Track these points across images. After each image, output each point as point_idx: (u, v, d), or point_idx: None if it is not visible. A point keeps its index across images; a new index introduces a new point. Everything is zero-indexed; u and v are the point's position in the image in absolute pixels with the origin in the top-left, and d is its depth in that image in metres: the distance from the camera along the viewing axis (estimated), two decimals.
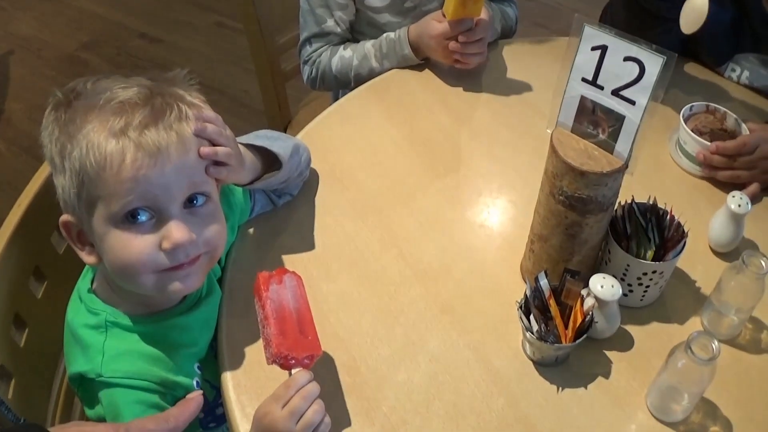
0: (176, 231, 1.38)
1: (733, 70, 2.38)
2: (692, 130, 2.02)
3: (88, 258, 1.45)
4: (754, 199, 1.91)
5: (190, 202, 1.42)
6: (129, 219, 1.36)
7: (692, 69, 2.39)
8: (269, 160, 1.74)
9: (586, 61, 1.44)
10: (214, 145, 1.45)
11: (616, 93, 1.42)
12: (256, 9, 2.64)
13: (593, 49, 1.42)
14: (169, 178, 1.37)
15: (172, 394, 1.51)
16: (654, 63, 1.35)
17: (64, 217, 1.43)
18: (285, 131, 3.00)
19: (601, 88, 1.44)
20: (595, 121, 1.47)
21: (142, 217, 1.36)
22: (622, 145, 1.45)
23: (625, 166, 1.47)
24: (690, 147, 2.03)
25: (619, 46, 1.39)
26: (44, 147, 1.42)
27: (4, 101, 4.74)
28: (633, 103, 1.40)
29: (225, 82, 4.56)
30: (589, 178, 1.45)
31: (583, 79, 1.46)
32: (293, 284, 1.54)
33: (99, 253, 1.42)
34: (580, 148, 1.49)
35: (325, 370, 1.57)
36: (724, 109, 2.10)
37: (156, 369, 1.49)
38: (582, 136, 1.51)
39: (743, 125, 2.05)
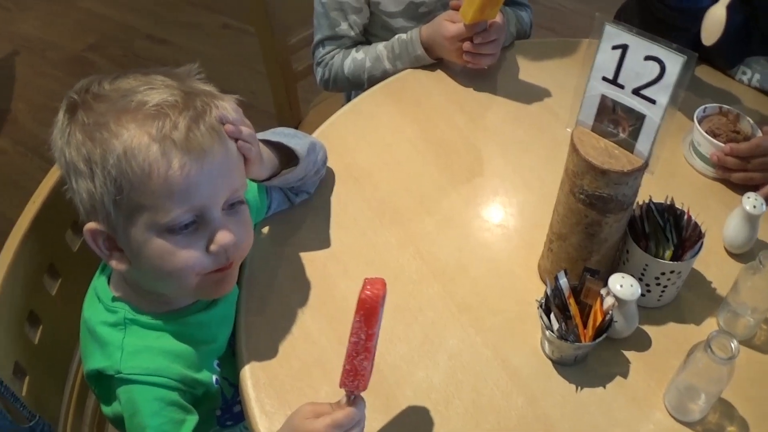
0: (223, 234, 1.39)
1: (744, 73, 2.38)
2: (706, 132, 2.03)
3: (118, 265, 1.42)
4: None
5: (229, 205, 1.43)
6: (175, 227, 1.35)
7: (704, 72, 2.38)
8: (286, 157, 1.74)
9: (607, 60, 1.44)
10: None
11: (636, 92, 1.42)
12: (267, 8, 2.64)
13: (614, 48, 1.42)
14: (215, 182, 1.37)
15: (191, 392, 1.51)
16: (674, 62, 1.35)
17: (90, 225, 1.38)
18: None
19: (622, 87, 1.44)
20: (616, 120, 1.48)
21: (190, 226, 1.37)
22: (642, 144, 1.45)
23: (646, 165, 1.47)
24: (704, 148, 2.03)
25: (640, 45, 1.39)
26: (58, 150, 1.38)
27: (9, 101, 4.75)
28: (653, 102, 1.40)
29: (232, 83, 4.48)
30: (609, 177, 1.45)
31: (604, 78, 1.46)
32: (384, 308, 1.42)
33: (132, 259, 1.41)
34: (601, 147, 1.49)
35: None
36: (738, 111, 2.10)
37: (176, 366, 1.49)
38: (602, 135, 1.51)
39: (756, 127, 2.05)
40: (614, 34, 1.42)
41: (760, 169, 1.98)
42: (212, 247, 1.39)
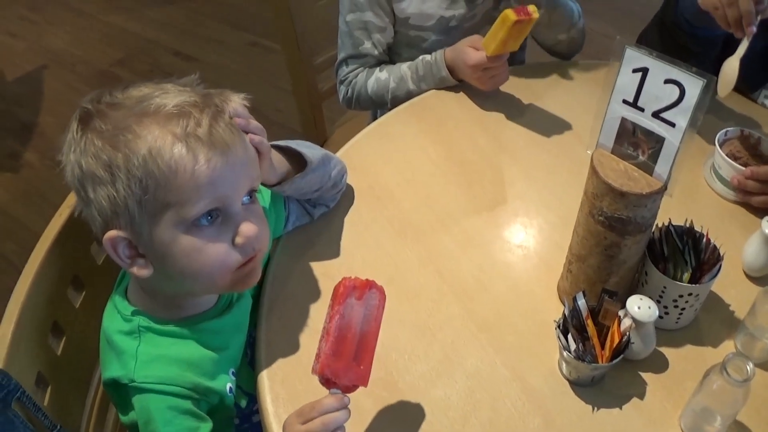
0: (248, 226, 1.43)
1: (766, 97, 2.38)
2: (727, 155, 2.02)
3: (141, 271, 1.43)
4: None
5: (247, 198, 1.46)
6: (200, 222, 1.38)
7: (726, 95, 2.39)
8: (298, 164, 1.76)
9: (627, 83, 1.45)
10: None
11: (656, 115, 1.43)
12: (295, 28, 2.66)
13: (634, 71, 1.43)
14: (238, 175, 1.41)
15: (205, 400, 1.53)
16: (694, 85, 1.36)
17: (111, 233, 1.38)
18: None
19: (642, 109, 1.45)
20: (636, 142, 1.48)
21: (215, 220, 1.40)
22: (661, 167, 1.46)
23: (665, 187, 1.47)
24: (725, 172, 2.04)
25: (660, 69, 1.40)
26: (70, 164, 1.39)
27: (38, 114, 4.79)
28: (673, 125, 1.41)
29: (258, 100, 4.48)
30: (629, 199, 1.46)
31: (624, 101, 1.47)
32: (373, 303, 1.48)
33: (156, 262, 1.42)
34: (620, 169, 1.50)
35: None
36: (759, 134, 2.09)
37: (189, 374, 1.50)
38: (622, 157, 1.52)
39: None
40: (635, 57, 1.42)
41: None
42: (238, 240, 1.43)
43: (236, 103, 1.48)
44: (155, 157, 1.31)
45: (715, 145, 2.06)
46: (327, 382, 1.40)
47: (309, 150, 1.77)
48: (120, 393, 1.50)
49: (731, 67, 1.98)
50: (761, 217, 1.81)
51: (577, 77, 2.53)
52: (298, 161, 1.76)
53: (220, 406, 1.58)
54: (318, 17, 2.76)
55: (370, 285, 1.47)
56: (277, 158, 1.69)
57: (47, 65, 5.25)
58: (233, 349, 1.65)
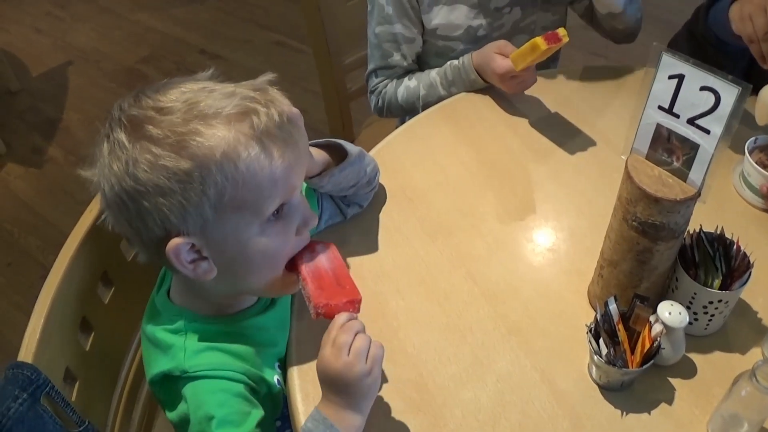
0: (311, 214, 1.50)
1: None
2: (756, 162, 2.02)
3: (207, 274, 1.42)
4: None
5: None
6: (273, 216, 1.40)
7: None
8: (337, 157, 1.78)
9: (663, 89, 1.45)
10: None
11: (691, 122, 1.43)
12: (325, 28, 2.67)
13: (670, 77, 1.43)
14: (303, 164, 1.44)
15: (255, 388, 1.53)
16: (729, 93, 1.35)
17: (176, 241, 1.34)
18: None
19: (677, 116, 1.44)
20: (670, 148, 1.48)
21: (279, 212, 1.42)
22: (695, 174, 1.46)
23: (698, 194, 1.47)
24: (754, 179, 2.03)
25: (696, 76, 1.39)
26: (115, 176, 1.33)
27: (62, 110, 4.81)
28: (708, 132, 1.41)
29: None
30: (663, 205, 1.46)
31: (660, 107, 1.47)
32: (326, 250, 1.56)
33: (225, 263, 1.42)
34: (655, 175, 1.50)
35: (392, 387, 1.60)
36: None
37: (239, 362, 1.52)
38: (656, 163, 1.52)
39: None
40: (671, 63, 1.42)
41: None
42: (303, 229, 1.49)
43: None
44: (233, 160, 1.30)
45: (744, 152, 2.06)
46: (327, 310, 1.46)
47: (346, 144, 1.79)
48: (169, 388, 1.50)
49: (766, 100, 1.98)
50: None
51: (607, 82, 2.53)
52: (335, 154, 1.77)
53: (268, 399, 1.59)
54: (348, 17, 2.76)
55: (315, 243, 1.56)
56: (316, 151, 1.71)
57: (72, 61, 5.28)
58: (281, 345, 1.67)
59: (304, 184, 1.76)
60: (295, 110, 1.44)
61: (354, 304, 1.48)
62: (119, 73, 5.15)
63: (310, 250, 1.54)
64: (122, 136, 1.32)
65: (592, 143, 2.26)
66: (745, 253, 1.65)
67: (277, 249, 1.45)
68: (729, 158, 2.14)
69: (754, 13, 1.91)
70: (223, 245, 1.39)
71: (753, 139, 2.08)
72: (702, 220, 1.68)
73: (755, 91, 2.14)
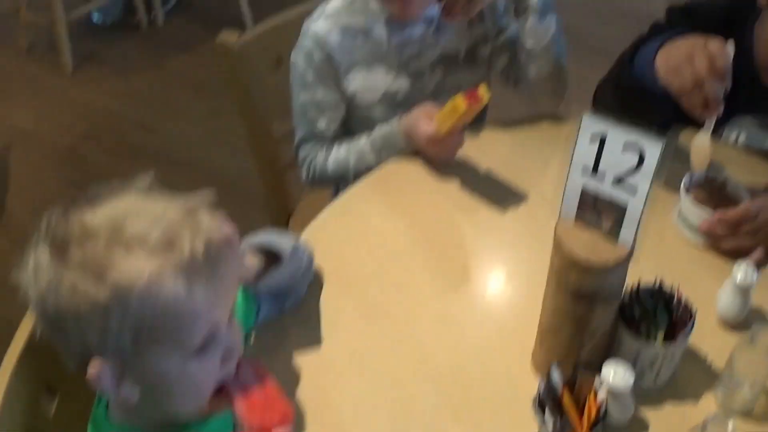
0: (236, 340, 1.45)
1: (731, 132, 2.38)
2: (694, 200, 2.03)
3: (129, 399, 1.37)
4: (760, 265, 1.90)
5: None
6: (198, 347, 1.35)
7: (690, 135, 2.38)
8: (271, 259, 1.75)
9: (586, 151, 1.44)
10: None
11: (617, 182, 1.42)
12: (253, 99, 2.66)
13: (592, 139, 1.43)
14: (230, 289, 1.40)
15: None
16: (654, 148, 1.35)
17: (96, 364, 1.30)
18: (288, 221, 3.02)
19: (602, 177, 1.44)
20: (598, 211, 1.48)
21: (207, 343, 1.36)
22: (626, 234, 1.46)
23: (632, 254, 1.47)
24: (692, 218, 2.04)
25: (618, 134, 1.39)
26: (43, 293, 1.28)
27: (5, 196, 4.75)
28: (635, 190, 1.41)
29: (225, 169, 4.58)
30: (596, 271, 1.46)
31: (584, 170, 1.47)
32: (252, 367, 1.52)
33: (148, 388, 1.37)
34: (585, 240, 1.49)
35: None
36: (725, 175, 2.10)
37: None
38: (586, 227, 1.52)
39: (744, 190, 2.06)
40: (592, 124, 1.42)
41: (750, 234, 1.98)
42: (228, 361, 1.42)
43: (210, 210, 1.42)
44: (154, 293, 1.25)
45: (681, 190, 2.06)
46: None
47: (279, 241, 1.76)
48: None
49: (703, 144, 1.99)
50: (733, 262, 1.80)
51: (539, 136, 2.53)
52: (270, 255, 1.75)
53: None
54: (277, 88, 2.74)
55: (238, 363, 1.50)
56: (249, 256, 1.69)
57: (12, 144, 5.22)
58: None
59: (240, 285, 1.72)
60: (225, 235, 1.39)
61: (286, 420, 1.46)
62: (61, 154, 5.09)
63: (236, 369, 1.51)
64: (46, 257, 1.29)
65: (527, 203, 2.25)
66: (687, 303, 1.65)
67: (201, 380, 1.40)
68: (666, 197, 2.14)
69: (680, 65, 1.90)
70: (144, 374, 1.34)
71: (687, 176, 2.08)
72: (643, 263, 1.66)
73: (693, 124, 2.14)
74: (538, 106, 2.56)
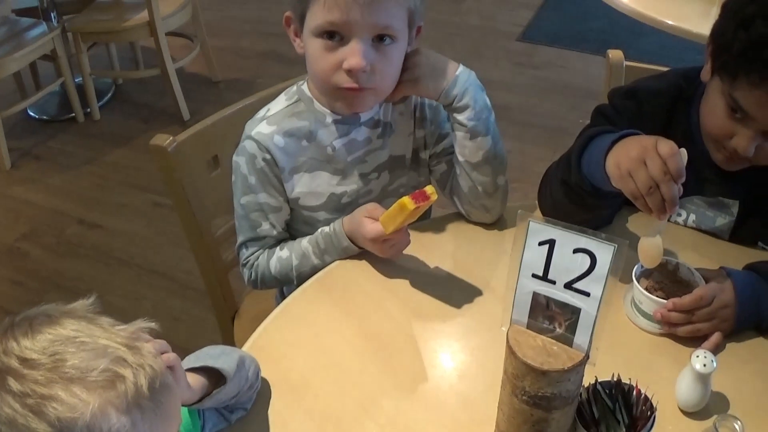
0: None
1: (680, 215, 2.37)
2: (646, 289, 2.01)
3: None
4: (717, 349, 1.90)
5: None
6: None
7: (638, 220, 2.36)
8: (215, 378, 1.70)
9: (535, 256, 1.43)
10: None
11: (569, 286, 1.40)
12: (191, 199, 2.61)
13: (540, 244, 1.41)
14: (175, 419, 1.39)
15: None
16: (605, 252, 1.34)
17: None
18: (233, 321, 2.96)
19: (553, 282, 1.43)
20: (551, 315, 1.46)
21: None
22: (580, 338, 1.44)
23: (587, 358, 1.44)
24: (646, 306, 2.01)
25: (568, 239, 1.38)
26: None
27: None
28: (588, 294, 1.38)
29: (168, 264, 4.53)
30: (551, 377, 1.42)
31: (534, 275, 1.44)
32: None
33: None
34: (538, 345, 1.47)
35: None
36: (676, 260, 2.09)
37: None
38: (539, 332, 1.49)
39: (697, 274, 2.04)
40: (540, 229, 1.41)
41: (705, 319, 1.96)
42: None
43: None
44: (98, 430, 1.22)
45: (632, 279, 2.03)
46: None
47: (223, 360, 1.72)
48: None
49: (653, 244, 1.96)
50: (690, 346, 1.79)
51: (485, 232, 2.48)
52: (214, 374, 1.70)
53: None
54: (213, 188, 2.71)
55: None
56: (194, 379, 1.63)
57: None
58: None
59: None
60: (168, 364, 1.39)
61: None
62: (0, 253, 5.04)
63: None
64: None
65: (477, 301, 2.20)
66: (646, 397, 1.62)
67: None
68: (618, 286, 2.09)
69: (633, 169, 1.86)
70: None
71: (638, 265, 2.06)
72: (599, 355, 1.63)
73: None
74: (470, 218, 2.51)
